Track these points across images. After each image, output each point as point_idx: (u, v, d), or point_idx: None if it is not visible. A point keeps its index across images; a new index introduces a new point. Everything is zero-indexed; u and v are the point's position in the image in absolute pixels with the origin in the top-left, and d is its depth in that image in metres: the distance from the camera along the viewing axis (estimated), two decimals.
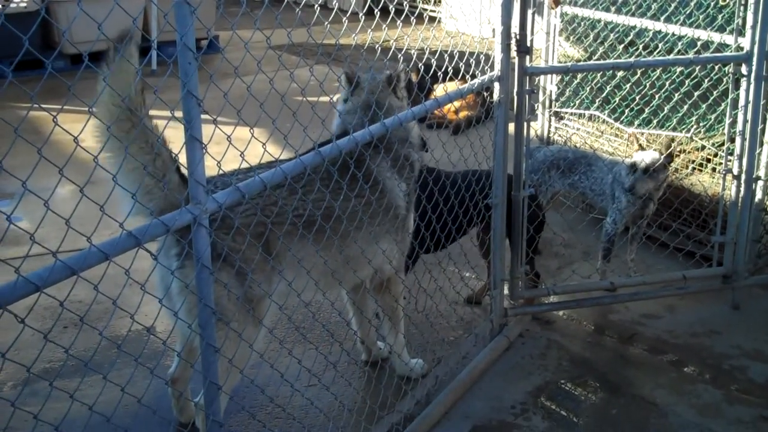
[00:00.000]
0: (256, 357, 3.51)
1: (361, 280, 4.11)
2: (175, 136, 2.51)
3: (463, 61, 4.59)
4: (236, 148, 2.81)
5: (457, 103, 8.97)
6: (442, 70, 4.35)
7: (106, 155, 2.82)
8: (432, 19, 13.57)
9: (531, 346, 4.92)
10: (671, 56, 5.93)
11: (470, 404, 4.34)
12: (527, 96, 4.66)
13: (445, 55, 4.53)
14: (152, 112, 2.50)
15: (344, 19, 3.38)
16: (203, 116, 2.57)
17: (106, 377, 2.50)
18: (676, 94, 5.72)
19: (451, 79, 4.58)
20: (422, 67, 4.42)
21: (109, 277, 2.34)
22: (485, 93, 7.10)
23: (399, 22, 3.97)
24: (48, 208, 2.13)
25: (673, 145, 5.07)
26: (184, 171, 2.63)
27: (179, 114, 2.45)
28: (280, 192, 3.43)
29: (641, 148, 5.27)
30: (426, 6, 14.53)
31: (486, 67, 4.51)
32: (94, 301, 2.46)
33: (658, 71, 6.16)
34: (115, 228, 2.33)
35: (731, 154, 5.10)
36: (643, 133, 6.32)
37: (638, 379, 4.61)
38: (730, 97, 5.05)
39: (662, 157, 5.07)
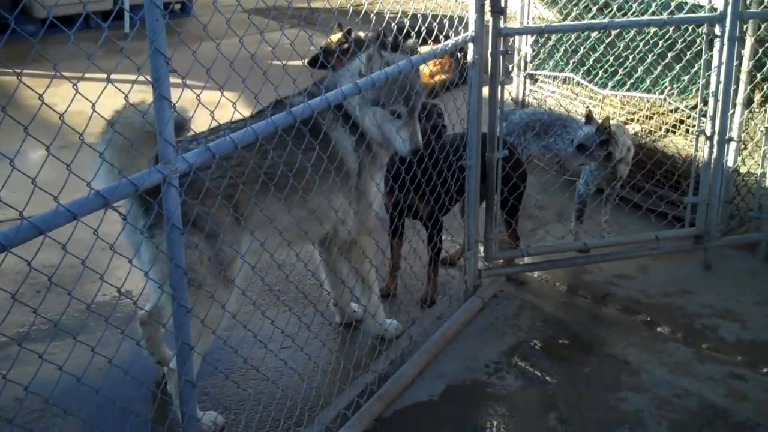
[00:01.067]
0: (229, 318, 3.51)
1: (327, 236, 4.10)
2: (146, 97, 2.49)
3: (437, 22, 4.56)
4: (206, 107, 2.79)
5: (432, 67, 8.94)
6: (415, 30, 4.31)
7: None
8: None
9: (505, 307, 4.95)
10: (645, 17, 5.92)
11: (444, 364, 4.37)
12: (501, 57, 4.65)
13: (419, 16, 4.49)
14: (120, 76, 2.46)
15: None
16: (173, 80, 2.54)
17: (76, 338, 2.49)
18: (650, 56, 5.73)
19: (425, 42, 4.55)
20: (395, 28, 4.37)
21: (79, 241, 2.32)
22: (459, 55, 7.09)
23: None
24: (13, 167, 2.10)
25: (608, 123, 5.07)
26: None
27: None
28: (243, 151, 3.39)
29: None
30: None
31: (460, 28, 4.49)
32: (62, 263, 2.44)
33: (632, 32, 6.15)
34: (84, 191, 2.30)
35: (704, 115, 5.11)
36: (616, 95, 6.34)
37: (611, 338, 4.65)
38: (703, 58, 5.06)
39: (596, 135, 5.08)
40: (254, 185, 3.38)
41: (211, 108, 2.84)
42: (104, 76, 2.34)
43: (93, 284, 4.61)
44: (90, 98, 2.29)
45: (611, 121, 5.17)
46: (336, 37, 8.37)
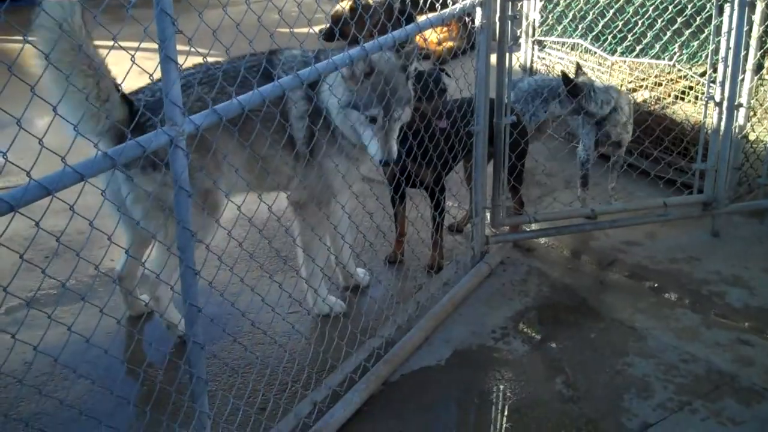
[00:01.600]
0: (237, 282, 3.52)
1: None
2: (151, 67, 2.48)
3: None
4: (213, 68, 2.77)
5: (440, 34, 8.90)
6: None
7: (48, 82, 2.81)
8: None
9: (512, 273, 4.96)
10: None
11: (451, 329, 4.38)
12: (510, 22, 4.62)
13: None
14: (125, 43, 2.45)
15: None
16: (179, 47, 2.52)
17: (84, 299, 2.49)
18: (660, 21, 5.68)
19: (432, 9, 4.51)
20: None
21: (85, 207, 2.32)
22: (467, 19, 7.04)
23: None
24: (20, 126, 2.10)
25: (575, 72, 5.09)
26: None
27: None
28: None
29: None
30: None
31: None
32: (69, 229, 2.44)
33: None
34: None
35: (713, 81, 5.08)
36: (625, 61, 6.30)
37: (618, 304, 4.65)
38: (713, 23, 5.01)
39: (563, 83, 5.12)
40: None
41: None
42: (108, 43, 2.33)
43: (100, 250, 4.62)
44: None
45: (620, 88, 5.15)
46: (347, 3, 8.29)
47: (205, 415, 3.00)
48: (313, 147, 3.97)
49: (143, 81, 2.34)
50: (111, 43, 2.35)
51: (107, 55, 2.36)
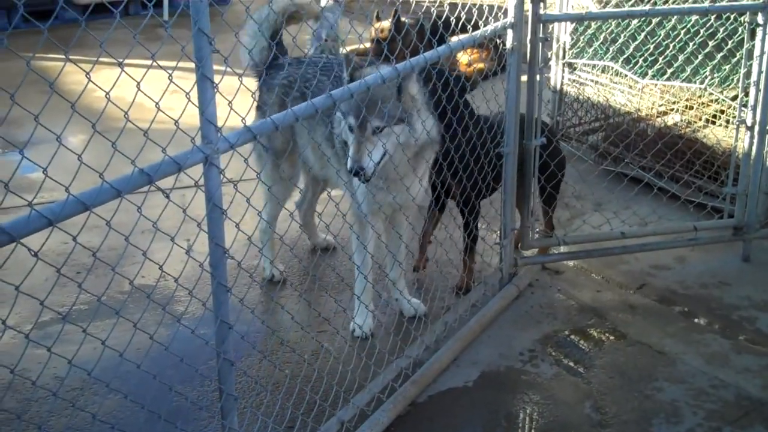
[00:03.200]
0: (268, 301, 3.55)
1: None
2: (185, 86, 2.52)
3: (474, 9, 4.55)
4: (248, 88, 2.81)
5: (470, 56, 8.93)
6: (455, 16, 4.31)
7: None
8: None
9: (540, 296, 4.95)
10: (686, 5, 5.86)
11: (479, 351, 4.37)
12: (540, 44, 4.63)
13: (458, 4, 4.49)
14: (165, 63, 2.49)
15: None
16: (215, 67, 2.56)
17: (118, 313, 2.52)
18: (691, 45, 5.67)
19: (464, 30, 4.54)
20: (434, 12, 4.38)
21: (120, 225, 2.36)
22: (498, 41, 7.05)
23: None
24: (60, 142, 2.13)
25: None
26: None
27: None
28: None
29: None
30: None
31: (500, 15, 4.47)
32: (102, 246, 2.48)
33: (673, 20, 6.09)
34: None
35: (745, 105, 5.06)
36: (656, 84, 6.29)
37: (647, 328, 4.62)
38: (745, 47, 4.99)
39: None
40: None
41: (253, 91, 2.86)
42: (142, 62, 2.37)
43: (132, 266, 4.68)
44: (130, 83, 2.32)
45: None
46: (384, 24, 8.37)
47: None
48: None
49: (176, 99, 2.37)
50: (148, 62, 2.39)
51: (145, 74, 2.39)
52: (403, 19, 8.35)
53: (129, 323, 2.71)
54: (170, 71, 2.43)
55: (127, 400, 2.86)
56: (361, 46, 8.62)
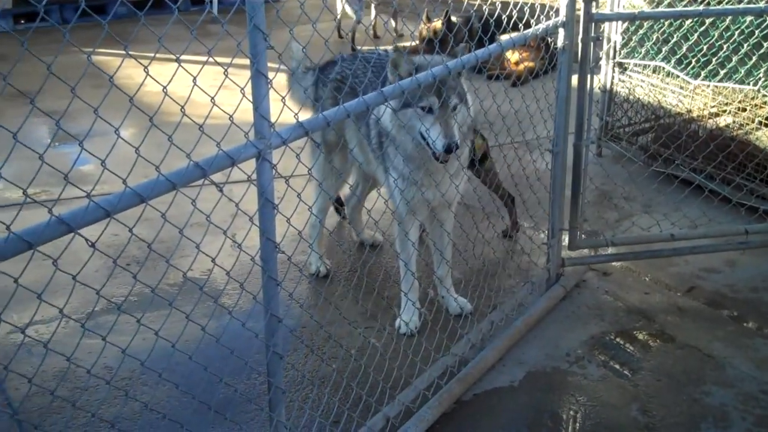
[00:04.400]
0: (316, 296, 3.57)
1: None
2: (237, 81, 2.55)
3: (526, 8, 4.53)
4: (300, 84, 2.83)
5: (519, 55, 8.90)
6: (494, 18, 4.31)
7: None
8: None
9: (587, 296, 4.92)
10: (742, 5, 5.78)
11: (525, 351, 4.36)
12: (592, 43, 4.60)
13: (509, 2, 4.47)
14: (218, 59, 2.53)
15: None
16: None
17: (171, 304, 2.56)
18: (745, 45, 5.59)
19: (515, 29, 4.53)
20: (485, 12, 4.37)
21: (168, 217, 2.40)
22: (549, 39, 7.02)
23: None
24: (118, 135, 2.17)
25: None
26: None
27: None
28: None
29: None
30: None
31: (551, 14, 4.46)
32: (161, 237, 2.52)
33: (728, 21, 6.01)
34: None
35: None
36: (708, 86, 6.21)
37: (695, 331, 4.58)
38: None
39: None
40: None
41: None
42: (193, 58, 2.41)
43: (181, 259, 4.75)
44: (180, 78, 2.35)
45: None
46: (436, 24, 8.42)
47: (282, 425, 3.04)
48: (382, 155, 4.17)
49: (227, 95, 2.41)
50: (199, 57, 2.42)
51: (200, 70, 2.42)
52: (453, 18, 8.37)
53: (175, 315, 2.75)
54: (226, 67, 2.45)
55: (177, 390, 2.90)
56: (411, 44, 8.66)
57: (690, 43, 5.87)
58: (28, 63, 1.83)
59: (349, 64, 4.56)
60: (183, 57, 2.30)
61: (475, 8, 5.06)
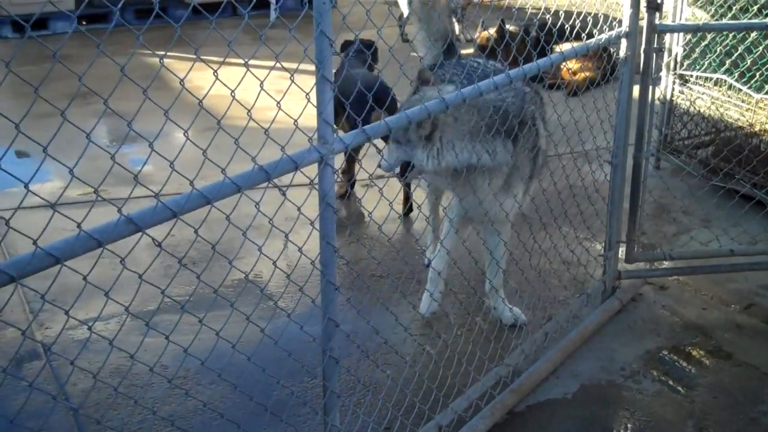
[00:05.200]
0: (374, 301, 3.58)
1: None
2: (299, 86, 2.58)
3: (580, 19, 4.51)
4: (364, 91, 2.85)
5: (575, 65, 8.84)
6: (557, 27, 4.29)
7: None
8: None
9: (643, 310, 4.86)
10: None
11: (579, 363, 4.33)
12: (654, 54, 4.56)
13: (561, 13, 4.45)
14: (263, 62, 2.56)
15: None
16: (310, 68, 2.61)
17: (233, 305, 2.59)
18: None
19: (578, 38, 4.49)
20: (536, 23, 4.35)
21: (224, 220, 2.44)
22: (611, 49, 6.97)
23: None
24: (187, 137, 2.20)
25: None
26: None
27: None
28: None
29: None
30: None
31: (614, 24, 4.42)
32: (221, 241, 2.55)
33: None
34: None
35: None
36: None
37: (753, 349, 4.50)
38: None
39: None
40: None
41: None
42: (254, 62, 2.44)
43: (237, 261, 4.79)
44: (248, 83, 2.38)
45: None
46: (487, 33, 8.44)
47: (336, 429, 3.05)
48: None
49: (287, 99, 2.45)
50: (261, 62, 2.45)
51: (267, 75, 2.45)
52: (510, 27, 8.35)
53: (233, 316, 2.78)
54: (292, 72, 2.48)
55: (233, 390, 2.93)
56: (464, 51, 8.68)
57: (754, 55, 5.78)
58: (89, 64, 1.86)
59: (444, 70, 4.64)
60: (240, 61, 2.33)
61: (537, 17, 5.04)
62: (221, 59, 2.34)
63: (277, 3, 11.04)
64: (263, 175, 2.45)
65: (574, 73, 8.67)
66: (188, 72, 2.44)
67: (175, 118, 2.21)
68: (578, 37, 4.34)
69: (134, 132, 2.14)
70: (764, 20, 5.63)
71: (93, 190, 2.04)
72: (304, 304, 4.26)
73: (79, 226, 1.97)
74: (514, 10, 4.06)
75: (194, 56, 2.10)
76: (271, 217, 2.69)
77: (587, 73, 8.43)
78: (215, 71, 2.26)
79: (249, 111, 2.37)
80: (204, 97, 2.24)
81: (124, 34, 2.07)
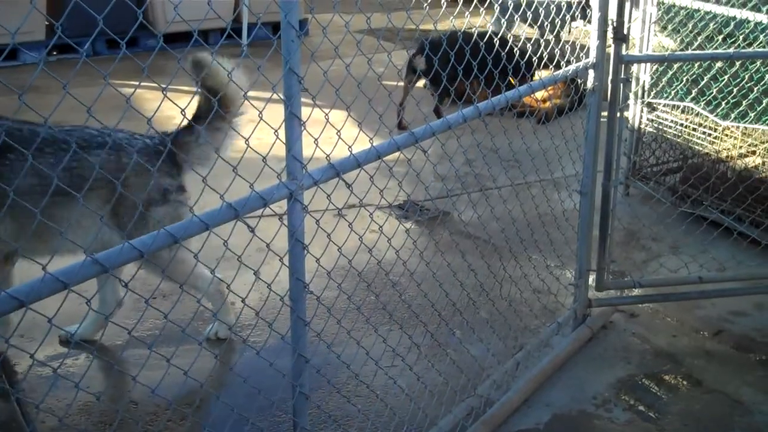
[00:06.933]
0: (342, 333, 3.57)
1: None
2: (270, 117, 2.58)
3: (557, 50, 4.55)
4: (333, 126, 2.86)
5: (543, 93, 8.91)
6: (537, 56, 4.33)
7: None
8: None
9: (614, 338, 4.88)
10: None
11: (551, 392, 4.33)
12: (622, 84, 4.61)
13: (541, 41, 4.50)
14: (251, 93, 2.56)
15: (425, 4, 3.37)
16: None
17: (201, 344, 2.57)
18: None
19: (545, 67, 4.55)
20: (516, 52, 4.38)
21: (201, 254, 2.42)
22: (579, 81, 7.04)
23: (482, 9, 3.92)
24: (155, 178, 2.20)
25: None
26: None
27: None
28: None
29: None
30: None
31: (581, 55, 4.47)
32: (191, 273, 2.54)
33: (758, 63, 6.00)
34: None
35: None
36: (738, 127, 6.19)
37: (723, 376, 4.53)
38: None
39: None
40: None
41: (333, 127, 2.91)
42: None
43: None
44: (214, 111, 2.38)
45: None
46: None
47: None
48: None
49: (260, 128, 2.45)
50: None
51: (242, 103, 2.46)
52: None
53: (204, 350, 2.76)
54: (260, 111, 2.48)
55: (204, 430, 2.91)
56: None
57: (720, 84, 5.87)
58: (59, 94, 1.85)
59: None
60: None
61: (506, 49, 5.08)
62: (192, 90, 2.34)
63: (249, 35, 11.05)
64: (232, 212, 2.44)
65: (544, 101, 8.74)
66: (157, 109, 2.43)
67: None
68: (547, 67, 4.38)
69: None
70: (728, 50, 5.71)
71: (60, 232, 2.02)
72: (275, 337, 4.24)
73: (44, 268, 1.95)
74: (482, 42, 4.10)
75: (166, 85, 2.09)
76: (244, 246, 2.68)
77: (556, 101, 8.49)
78: (182, 110, 2.25)
79: (217, 150, 2.36)
80: (173, 137, 2.24)
81: (95, 64, 2.06)
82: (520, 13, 9.15)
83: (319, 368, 3.46)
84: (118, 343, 4.47)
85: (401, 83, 7.58)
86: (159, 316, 2.45)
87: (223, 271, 2.68)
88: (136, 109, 2.08)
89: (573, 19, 5.06)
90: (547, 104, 8.60)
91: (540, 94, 8.88)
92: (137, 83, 2.39)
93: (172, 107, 2.19)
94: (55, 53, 10.94)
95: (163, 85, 2.14)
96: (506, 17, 9.77)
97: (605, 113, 4.60)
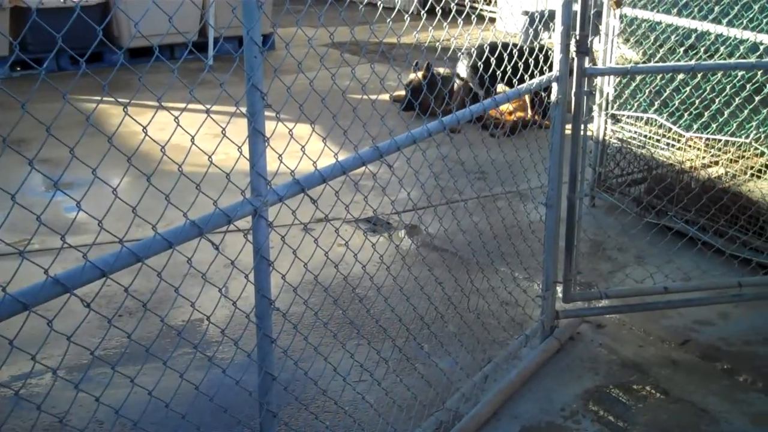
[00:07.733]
0: (309, 349, 3.55)
1: None
2: (235, 131, 2.57)
3: (520, 63, 4.58)
4: (297, 142, 2.85)
5: (512, 104, 8.96)
6: (501, 69, 4.35)
7: None
8: (492, 20, 13.60)
9: (582, 349, 4.90)
10: (733, 60, 5.85)
11: (519, 405, 4.34)
12: (585, 97, 4.65)
13: (505, 55, 4.52)
14: (215, 108, 2.54)
15: (406, 17, 3.38)
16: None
17: (165, 363, 2.55)
18: (737, 99, 5.65)
19: (509, 84, 4.57)
20: (481, 65, 4.40)
21: (160, 266, 2.39)
22: (543, 94, 7.09)
23: (460, 20, 3.95)
24: (116, 195, 2.18)
25: None
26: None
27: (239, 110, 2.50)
28: None
29: None
30: (485, 6, 14.54)
31: (545, 68, 4.50)
32: (157, 289, 2.51)
33: (719, 75, 6.08)
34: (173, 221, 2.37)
35: None
36: (701, 138, 6.26)
37: (690, 385, 4.56)
38: None
39: None
40: None
41: (299, 142, 2.90)
42: (191, 107, 2.43)
43: (174, 310, 4.71)
44: (187, 128, 2.36)
45: None
46: (420, 74, 8.49)
47: None
48: None
49: (224, 143, 2.45)
50: (195, 105, 2.44)
51: (201, 126, 2.44)
52: (442, 70, 8.43)
53: (175, 367, 2.73)
54: (223, 127, 2.47)
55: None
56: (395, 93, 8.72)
57: (682, 95, 5.93)
58: (19, 111, 1.83)
59: None
60: (178, 105, 2.31)
61: (470, 63, 5.10)
62: (157, 104, 2.32)
63: (214, 49, 11.01)
64: (196, 230, 2.42)
65: (510, 114, 8.78)
66: (119, 126, 2.41)
67: (112, 164, 2.17)
68: (510, 83, 4.41)
69: (63, 192, 2.10)
70: (690, 62, 5.78)
71: (19, 252, 1.99)
72: (241, 354, 4.21)
73: (3, 289, 1.92)
74: (446, 57, 4.11)
75: (129, 100, 2.08)
76: (209, 262, 2.66)
77: (520, 114, 8.54)
78: (144, 128, 2.23)
79: (180, 167, 2.34)
80: (133, 154, 2.22)
81: (58, 80, 2.04)
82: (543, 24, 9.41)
83: (287, 385, 3.44)
84: (84, 362, 4.43)
85: (365, 97, 7.58)
86: (125, 335, 2.42)
87: (188, 288, 2.65)
88: (96, 127, 2.06)
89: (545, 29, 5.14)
90: (513, 117, 8.64)
91: (506, 107, 8.93)
92: (100, 99, 2.37)
93: (133, 123, 2.18)
94: (18, 69, 10.85)
95: (125, 101, 2.12)
96: (534, 27, 10.32)
97: (569, 125, 4.63)
